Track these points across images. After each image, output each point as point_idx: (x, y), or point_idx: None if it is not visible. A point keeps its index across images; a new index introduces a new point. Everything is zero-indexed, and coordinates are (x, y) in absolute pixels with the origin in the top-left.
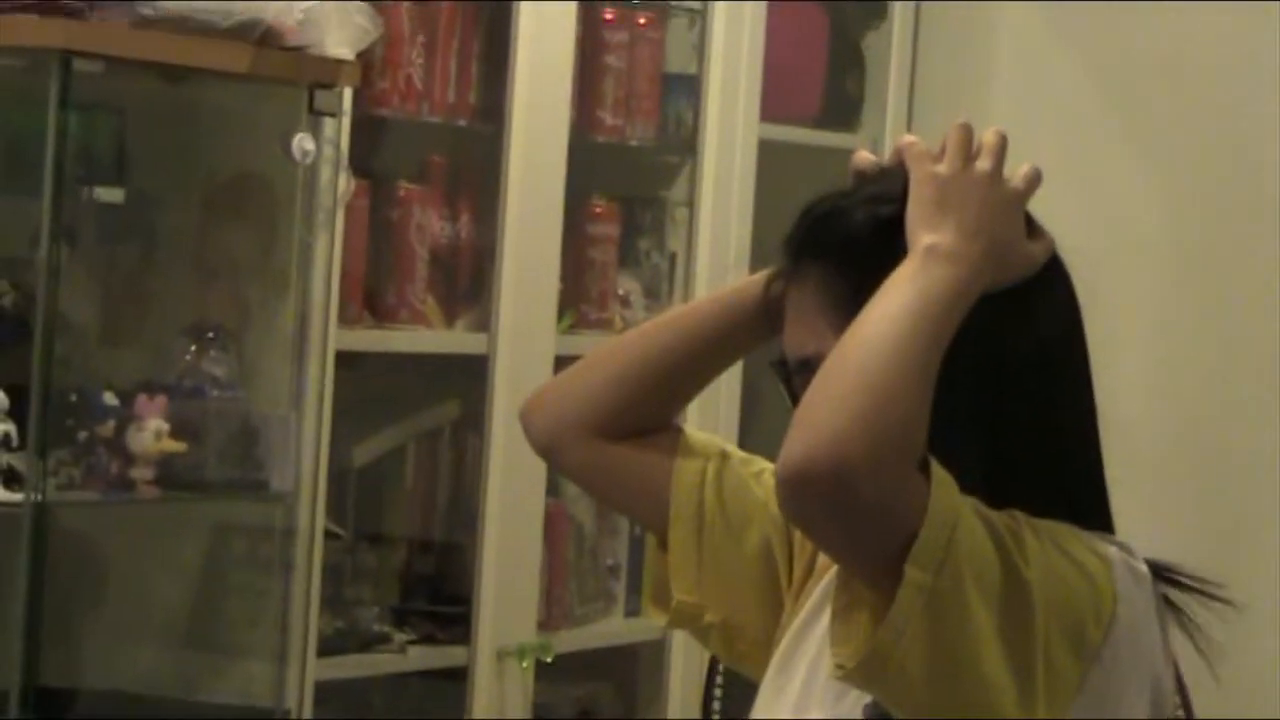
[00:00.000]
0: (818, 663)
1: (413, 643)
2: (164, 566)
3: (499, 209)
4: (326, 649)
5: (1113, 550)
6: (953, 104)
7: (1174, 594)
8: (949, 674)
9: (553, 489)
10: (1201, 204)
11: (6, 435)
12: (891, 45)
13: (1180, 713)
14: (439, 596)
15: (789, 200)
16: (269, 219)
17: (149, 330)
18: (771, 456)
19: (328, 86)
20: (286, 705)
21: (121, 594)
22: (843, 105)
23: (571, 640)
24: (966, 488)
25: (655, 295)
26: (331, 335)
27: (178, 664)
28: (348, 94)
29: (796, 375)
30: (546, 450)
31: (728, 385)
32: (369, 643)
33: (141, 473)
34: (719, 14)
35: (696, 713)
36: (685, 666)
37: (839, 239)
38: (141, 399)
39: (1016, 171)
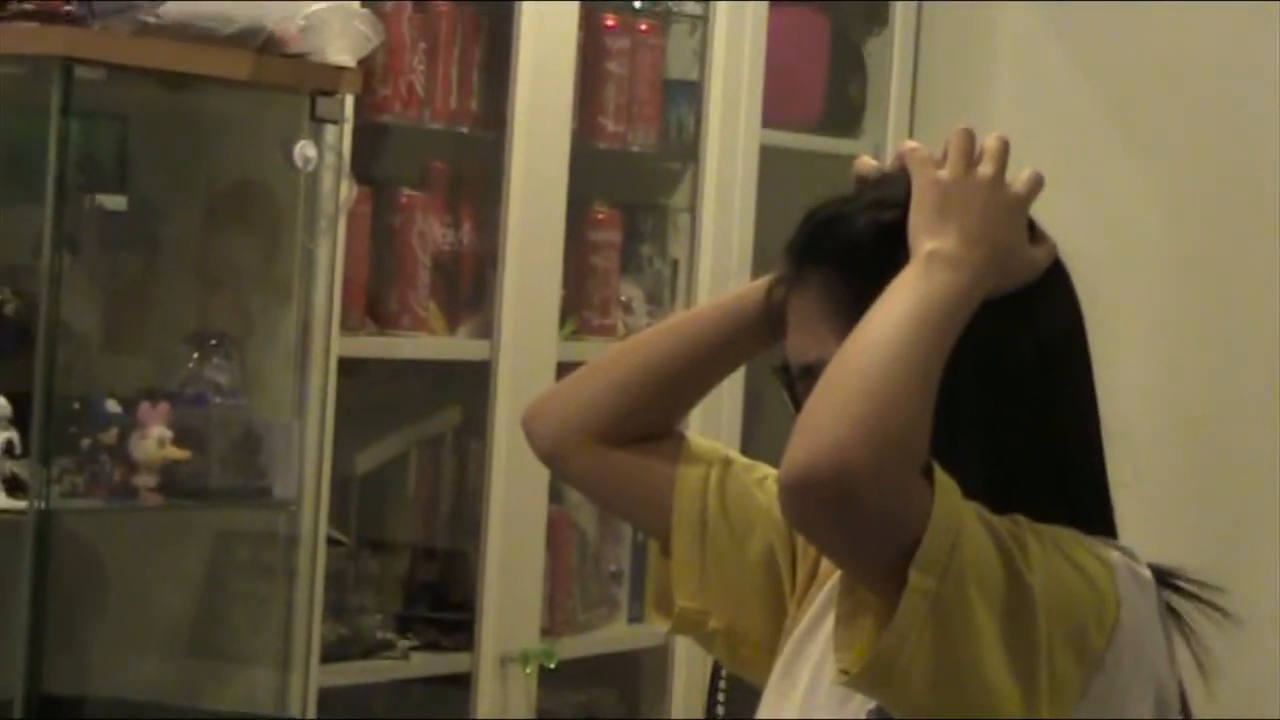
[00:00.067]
0: (821, 668)
1: (416, 649)
2: (167, 574)
3: (501, 215)
4: (330, 656)
5: (1116, 555)
6: (954, 109)
7: (1175, 600)
8: (953, 679)
9: (555, 495)
10: (1202, 206)
11: (10, 443)
12: (893, 50)
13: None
14: (442, 603)
15: (791, 206)
16: (271, 226)
17: (151, 337)
18: (774, 462)
19: (329, 93)
20: (290, 712)
21: (125, 601)
22: (844, 111)
23: (574, 646)
24: (969, 493)
25: (657, 301)
26: (334, 342)
27: (181, 671)
28: (349, 101)
29: (799, 381)
30: (549, 457)
31: (730, 391)
32: (372, 649)
33: (144, 480)
34: (720, 20)
35: (699, 718)
36: (688, 672)
37: (841, 245)
38: (144, 406)
39: (1018, 176)
